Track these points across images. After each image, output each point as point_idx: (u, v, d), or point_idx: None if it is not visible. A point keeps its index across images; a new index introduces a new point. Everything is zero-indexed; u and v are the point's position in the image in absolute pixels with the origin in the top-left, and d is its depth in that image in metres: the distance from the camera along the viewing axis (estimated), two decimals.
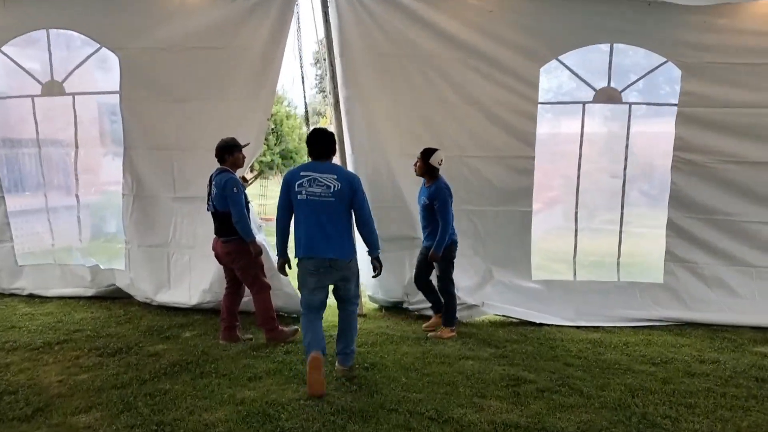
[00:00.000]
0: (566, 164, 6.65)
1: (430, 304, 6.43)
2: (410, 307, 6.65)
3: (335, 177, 4.49)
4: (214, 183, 5.39)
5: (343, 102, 6.51)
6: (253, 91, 6.39)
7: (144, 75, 6.63)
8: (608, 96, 6.29)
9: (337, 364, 4.75)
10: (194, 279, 6.66)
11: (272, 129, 15.57)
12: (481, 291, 6.56)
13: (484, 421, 3.81)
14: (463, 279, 6.42)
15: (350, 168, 6.43)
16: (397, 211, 6.53)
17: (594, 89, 6.29)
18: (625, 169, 6.45)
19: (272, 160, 16.41)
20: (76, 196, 7.23)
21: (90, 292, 7.23)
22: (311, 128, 5.50)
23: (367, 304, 6.87)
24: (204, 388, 4.35)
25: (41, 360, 5.01)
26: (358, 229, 4.68)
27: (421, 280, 6.08)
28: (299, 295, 4.69)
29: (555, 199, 7.05)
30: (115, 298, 7.13)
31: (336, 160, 5.90)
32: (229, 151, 5.46)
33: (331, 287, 4.70)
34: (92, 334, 5.73)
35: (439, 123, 6.46)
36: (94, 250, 7.51)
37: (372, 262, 4.75)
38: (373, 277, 4.90)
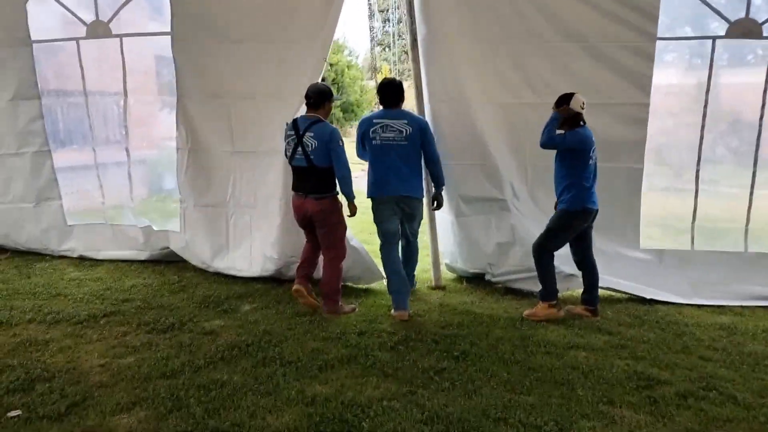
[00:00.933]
0: (682, 114, 5.63)
1: (520, 276, 5.61)
2: (494, 279, 5.78)
3: (406, 122, 4.96)
4: (311, 134, 4.71)
5: (420, 42, 5.60)
6: (313, 30, 5.54)
7: (197, 13, 5.84)
8: (746, 30, 5.16)
9: None
10: (256, 243, 5.97)
11: (333, 80, 14.61)
12: None
13: None
14: None
15: (428, 119, 5.58)
16: (480, 169, 5.65)
17: (728, 21, 5.17)
18: (761, 119, 5.33)
19: (332, 114, 15.54)
20: (126, 150, 6.60)
21: (143, 255, 6.67)
22: (381, 79, 5.16)
23: (444, 274, 6.05)
24: (267, 380, 3.64)
25: (84, 336, 4.42)
26: (427, 166, 5.16)
27: (575, 255, 5.06)
28: (377, 267, 5.32)
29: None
30: (169, 261, 6.55)
31: (413, 109, 5.57)
32: (328, 98, 4.89)
33: None
34: (142, 305, 5.13)
35: (533, 65, 5.47)
36: (147, 209, 6.93)
37: (436, 197, 5.26)
38: (433, 209, 5.41)
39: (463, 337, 4.40)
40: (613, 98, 5.41)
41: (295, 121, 4.87)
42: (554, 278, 4.95)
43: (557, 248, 4.92)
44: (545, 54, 5.44)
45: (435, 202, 5.24)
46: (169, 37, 5.96)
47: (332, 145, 4.67)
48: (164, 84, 6.75)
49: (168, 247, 6.51)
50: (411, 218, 5.11)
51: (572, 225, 4.83)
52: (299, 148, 4.75)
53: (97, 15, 6.29)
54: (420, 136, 4.94)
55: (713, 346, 4.26)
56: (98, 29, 6.29)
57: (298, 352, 4.09)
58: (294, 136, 4.79)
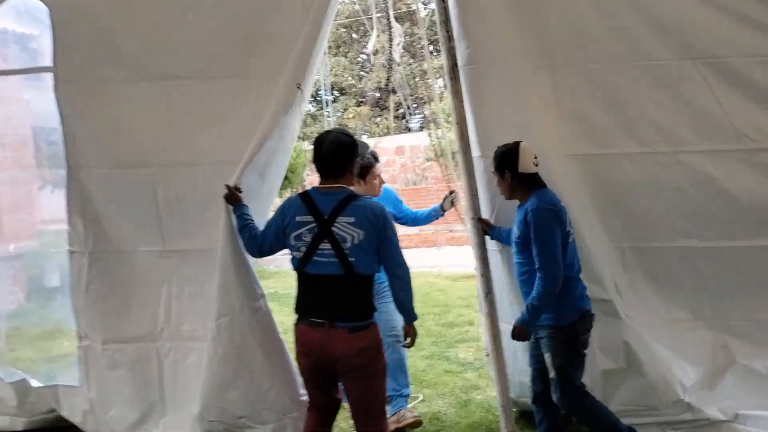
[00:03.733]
0: None
1: (638, 419, 3.63)
2: None
3: None
4: (348, 219, 2.80)
5: (463, 68, 3.67)
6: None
7: (97, 37, 3.78)
8: None
9: None
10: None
11: None
12: (719, 387, 3.72)
13: None
14: (678, 364, 3.69)
15: (478, 178, 3.68)
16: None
17: None
18: None
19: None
20: None
21: (18, 424, 4.21)
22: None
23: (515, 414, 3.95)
24: None
25: None
26: None
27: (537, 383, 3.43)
28: None
29: None
30: (60, 429, 4.12)
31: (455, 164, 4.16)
32: (354, 155, 2.99)
33: None
34: None
35: (633, 95, 3.71)
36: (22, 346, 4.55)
37: None
38: None
39: None
40: (758, 141, 3.66)
41: (306, 196, 2.90)
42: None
43: (580, 378, 3.28)
44: (652, 80, 3.69)
45: None
46: (51, 76, 3.79)
47: (388, 233, 2.88)
48: (45, 156, 4.83)
49: (57, 412, 4.10)
50: None
51: (580, 340, 3.24)
52: (324, 244, 2.78)
53: None
54: None
55: None
56: None
57: None
58: (313, 225, 2.80)
